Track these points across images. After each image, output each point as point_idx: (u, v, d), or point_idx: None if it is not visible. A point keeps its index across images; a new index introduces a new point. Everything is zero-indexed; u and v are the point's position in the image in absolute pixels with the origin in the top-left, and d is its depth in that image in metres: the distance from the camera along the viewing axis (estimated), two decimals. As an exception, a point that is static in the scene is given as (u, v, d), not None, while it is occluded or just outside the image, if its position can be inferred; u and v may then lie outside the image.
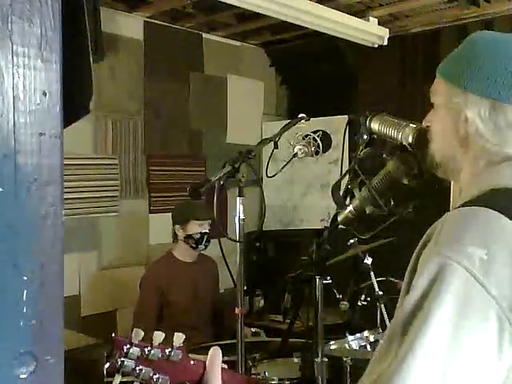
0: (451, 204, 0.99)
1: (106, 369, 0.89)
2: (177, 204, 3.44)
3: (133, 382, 0.92)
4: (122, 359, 0.88)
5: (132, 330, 0.91)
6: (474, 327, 0.78)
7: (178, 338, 0.93)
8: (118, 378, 0.89)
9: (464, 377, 0.78)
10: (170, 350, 0.92)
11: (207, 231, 3.20)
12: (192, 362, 0.94)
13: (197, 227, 3.18)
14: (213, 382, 0.94)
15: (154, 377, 0.90)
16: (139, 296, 3.22)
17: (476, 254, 0.81)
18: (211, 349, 0.96)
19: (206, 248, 3.25)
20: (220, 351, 0.96)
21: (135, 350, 0.89)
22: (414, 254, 0.91)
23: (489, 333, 0.78)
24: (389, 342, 0.83)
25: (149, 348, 0.90)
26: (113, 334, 0.91)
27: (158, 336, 0.91)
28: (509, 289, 0.80)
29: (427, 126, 1.11)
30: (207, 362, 0.95)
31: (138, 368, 0.89)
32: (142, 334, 0.90)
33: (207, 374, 0.94)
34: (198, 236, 3.19)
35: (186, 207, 3.24)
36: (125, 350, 0.89)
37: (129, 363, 0.89)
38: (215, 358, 0.95)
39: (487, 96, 0.95)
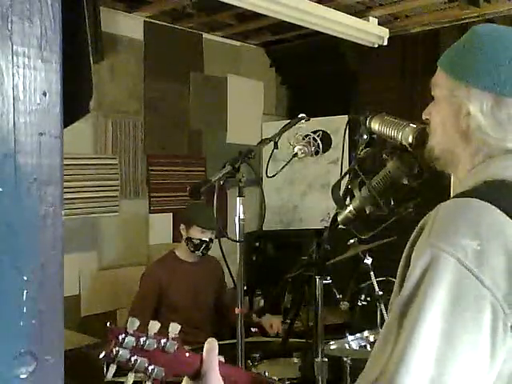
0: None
1: (101, 358, 0.87)
2: (189, 204, 3.41)
3: (141, 382, 0.91)
4: (117, 349, 0.86)
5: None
6: (469, 318, 0.78)
7: (174, 328, 0.92)
8: (112, 368, 0.87)
9: (460, 370, 0.77)
10: (165, 340, 0.90)
11: (207, 240, 3.19)
12: (187, 354, 0.93)
13: (198, 233, 3.18)
14: (211, 376, 0.93)
15: (149, 368, 0.89)
16: (138, 291, 3.23)
17: (469, 246, 0.81)
18: (207, 341, 0.95)
19: (203, 255, 3.24)
20: (216, 343, 0.95)
21: (130, 340, 0.87)
22: (408, 244, 0.91)
23: (483, 324, 0.78)
24: (386, 336, 0.83)
25: (144, 338, 0.88)
26: (108, 324, 0.89)
27: (154, 325, 0.90)
28: (502, 279, 0.80)
29: (426, 119, 1.11)
30: (204, 355, 0.94)
31: (133, 358, 0.87)
32: (138, 323, 0.89)
33: (205, 367, 0.92)
34: (198, 242, 3.19)
35: (194, 211, 3.23)
36: (120, 339, 0.87)
37: (124, 353, 0.87)
38: (212, 350, 0.94)
39: (490, 90, 0.94)
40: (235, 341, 2.03)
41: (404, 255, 0.91)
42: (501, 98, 0.94)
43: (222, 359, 0.97)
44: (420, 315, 0.79)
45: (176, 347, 0.91)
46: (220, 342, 0.96)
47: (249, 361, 2.43)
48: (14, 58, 0.63)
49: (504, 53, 0.95)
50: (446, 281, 0.80)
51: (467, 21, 3.71)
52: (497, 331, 0.78)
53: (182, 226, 3.26)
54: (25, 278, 0.64)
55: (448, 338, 0.78)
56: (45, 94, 0.66)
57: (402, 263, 0.91)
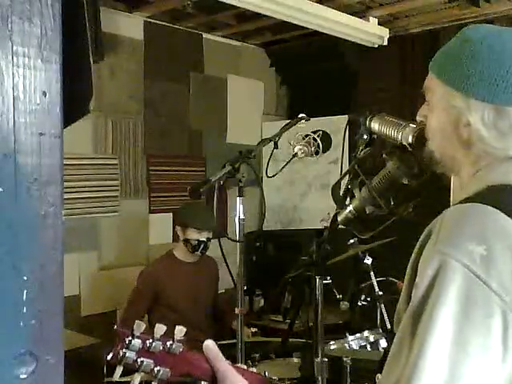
0: (451, 203, 0.99)
1: (108, 360, 0.89)
2: (182, 205, 3.42)
3: (150, 382, 0.92)
4: (124, 351, 0.88)
5: (121, 318, 0.90)
6: (479, 323, 0.79)
7: (179, 331, 0.93)
8: (119, 370, 0.89)
9: (473, 373, 0.78)
10: (171, 342, 0.92)
11: (205, 240, 3.19)
12: (193, 356, 0.95)
13: (195, 234, 3.18)
14: (233, 378, 0.94)
15: (155, 369, 0.90)
16: (135, 287, 3.23)
17: (476, 251, 0.81)
18: (205, 344, 0.96)
19: (202, 255, 3.24)
20: (213, 345, 0.96)
21: (137, 342, 0.89)
22: (414, 251, 0.92)
23: (493, 328, 0.79)
24: (399, 344, 0.84)
25: (150, 340, 0.90)
26: (115, 326, 0.91)
27: (160, 328, 0.92)
28: (510, 282, 0.80)
29: (421, 121, 1.11)
30: (211, 360, 0.94)
31: (139, 360, 0.89)
32: (144, 326, 0.90)
33: (221, 373, 0.93)
34: (196, 243, 3.19)
35: (189, 212, 3.22)
36: (126, 342, 0.89)
37: (130, 355, 0.89)
38: (216, 354, 0.95)
39: (490, 101, 0.93)
40: (235, 341, 2.04)
41: (411, 261, 0.92)
42: (502, 108, 0.93)
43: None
44: (431, 322, 0.80)
45: (181, 349, 0.93)
46: (220, 342, 0.96)
47: (249, 361, 2.43)
48: (14, 57, 0.63)
49: (500, 60, 0.93)
50: (454, 287, 0.80)
51: (467, 21, 3.71)
52: (507, 334, 0.79)
53: (178, 228, 3.26)
54: (25, 278, 0.64)
55: (459, 343, 0.78)
56: (45, 94, 0.66)
57: (409, 269, 0.92)
